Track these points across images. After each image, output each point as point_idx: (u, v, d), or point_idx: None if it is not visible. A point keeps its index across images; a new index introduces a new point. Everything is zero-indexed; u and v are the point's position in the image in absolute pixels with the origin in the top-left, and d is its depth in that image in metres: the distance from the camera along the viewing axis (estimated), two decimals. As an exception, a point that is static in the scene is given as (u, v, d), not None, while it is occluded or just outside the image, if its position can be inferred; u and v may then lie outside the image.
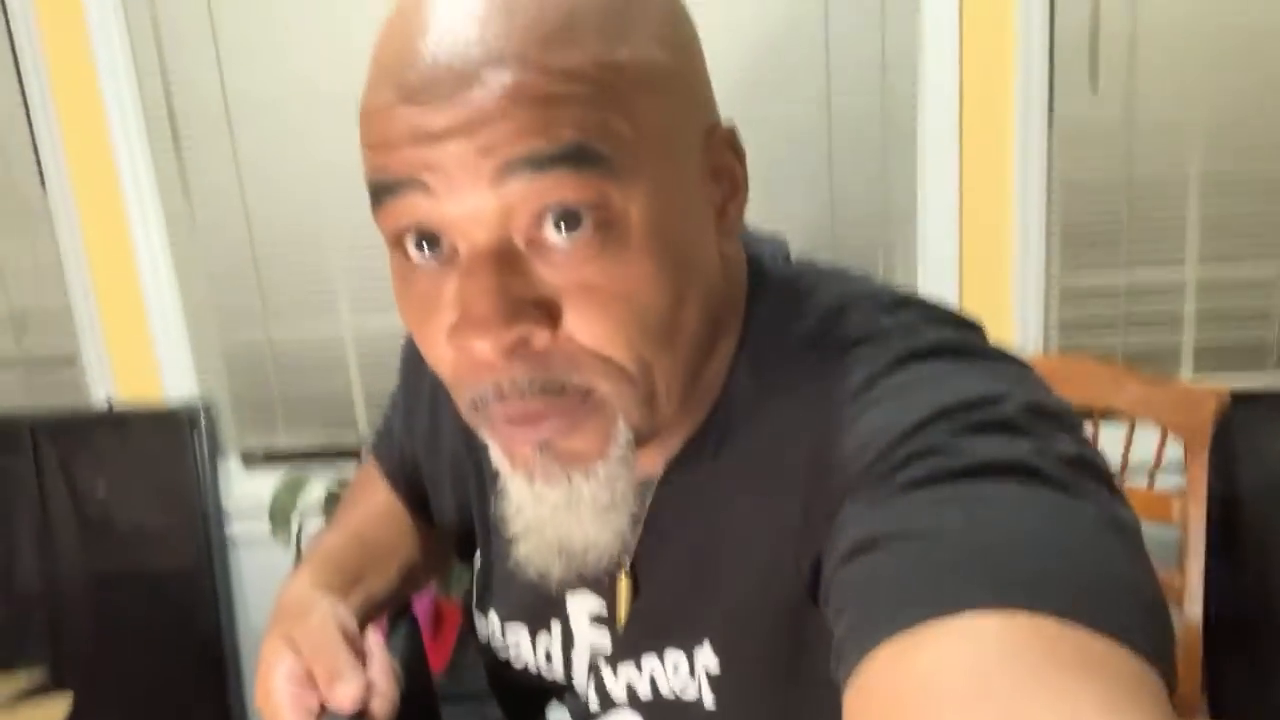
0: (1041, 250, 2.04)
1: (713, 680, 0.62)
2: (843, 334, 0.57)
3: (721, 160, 0.56)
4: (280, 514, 1.99)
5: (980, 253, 2.05)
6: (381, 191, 0.49)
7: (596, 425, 0.52)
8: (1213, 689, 2.03)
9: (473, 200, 0.47)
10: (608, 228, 0.48)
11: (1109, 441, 1.68)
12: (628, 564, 0.63)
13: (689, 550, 0.61)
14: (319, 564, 0.76)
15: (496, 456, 0.57)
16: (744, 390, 0.59)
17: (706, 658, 0.62)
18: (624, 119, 0.48)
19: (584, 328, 0.49)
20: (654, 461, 0.61)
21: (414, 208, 0.48)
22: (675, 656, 0.63)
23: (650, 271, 0.49)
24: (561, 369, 0.50)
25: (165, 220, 2.14)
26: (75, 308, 2.18)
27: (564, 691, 0.70)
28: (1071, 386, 1.68)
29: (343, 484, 2.04)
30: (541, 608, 0.69)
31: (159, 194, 2.12)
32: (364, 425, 2.22)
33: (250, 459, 2.34)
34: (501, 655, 0.73)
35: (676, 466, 0.61)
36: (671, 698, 0.64)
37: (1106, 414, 1.68)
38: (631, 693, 0.66)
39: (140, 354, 2.21)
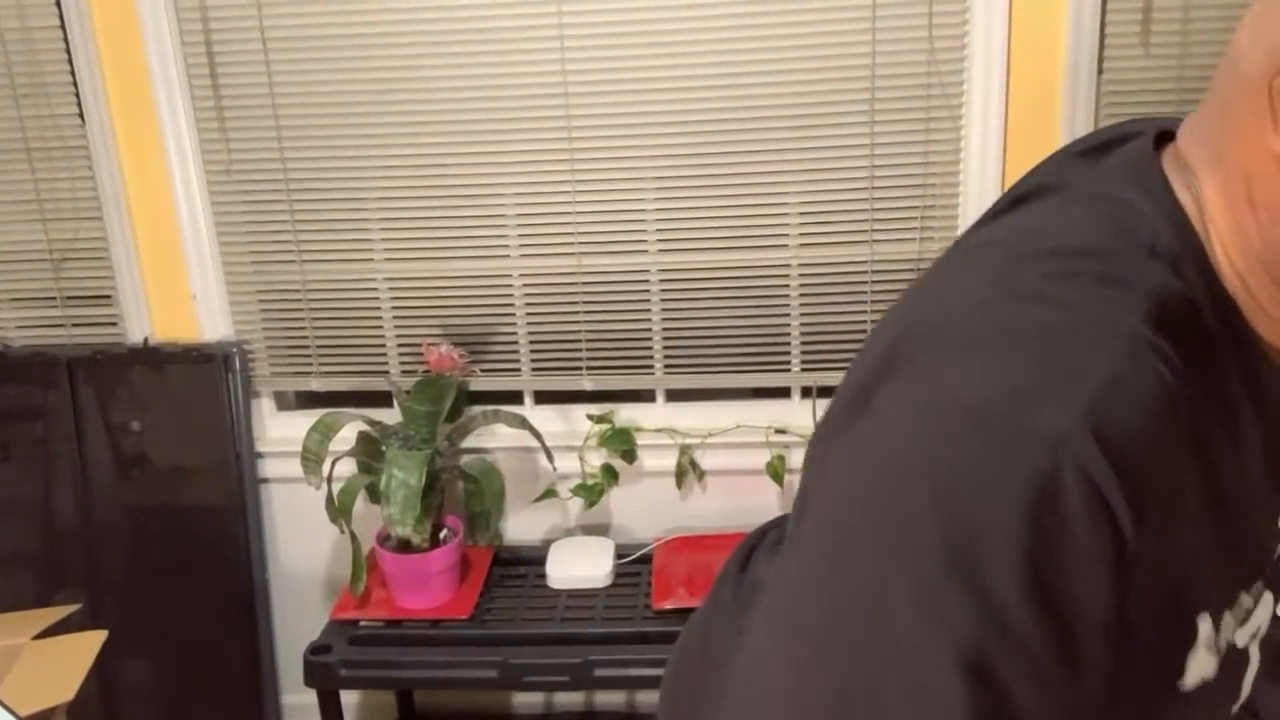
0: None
1: None
2: None
3: None
4: (312, 456, 2.01)
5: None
6: None
7: None
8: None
9: None
10: None
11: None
12: None
13: None
14: None
15: None
16: None
17: None
18: None
19: None
20: None
21: None
22: None
23: None
24: None
25: (202, 160, 2.14)
26: (113, 245, 2.20)
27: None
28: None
29: (374, 425, 2.06)
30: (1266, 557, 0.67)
31: (196, 134, 2.13)
32: (395, 370, 2.23)
33: (283, 401, 2.36)
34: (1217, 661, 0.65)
35: None
36: None
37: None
38: None
39: (176, 293, 2.23)
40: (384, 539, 2.03)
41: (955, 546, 0.49)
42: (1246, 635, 0.68)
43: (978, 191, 2.00)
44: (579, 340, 2.19)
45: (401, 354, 2.23)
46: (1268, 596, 0.69)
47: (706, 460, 2.21)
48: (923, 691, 0.48)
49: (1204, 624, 0.62)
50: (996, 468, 0.49)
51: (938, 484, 0.50)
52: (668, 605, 1.97)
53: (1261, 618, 0.69)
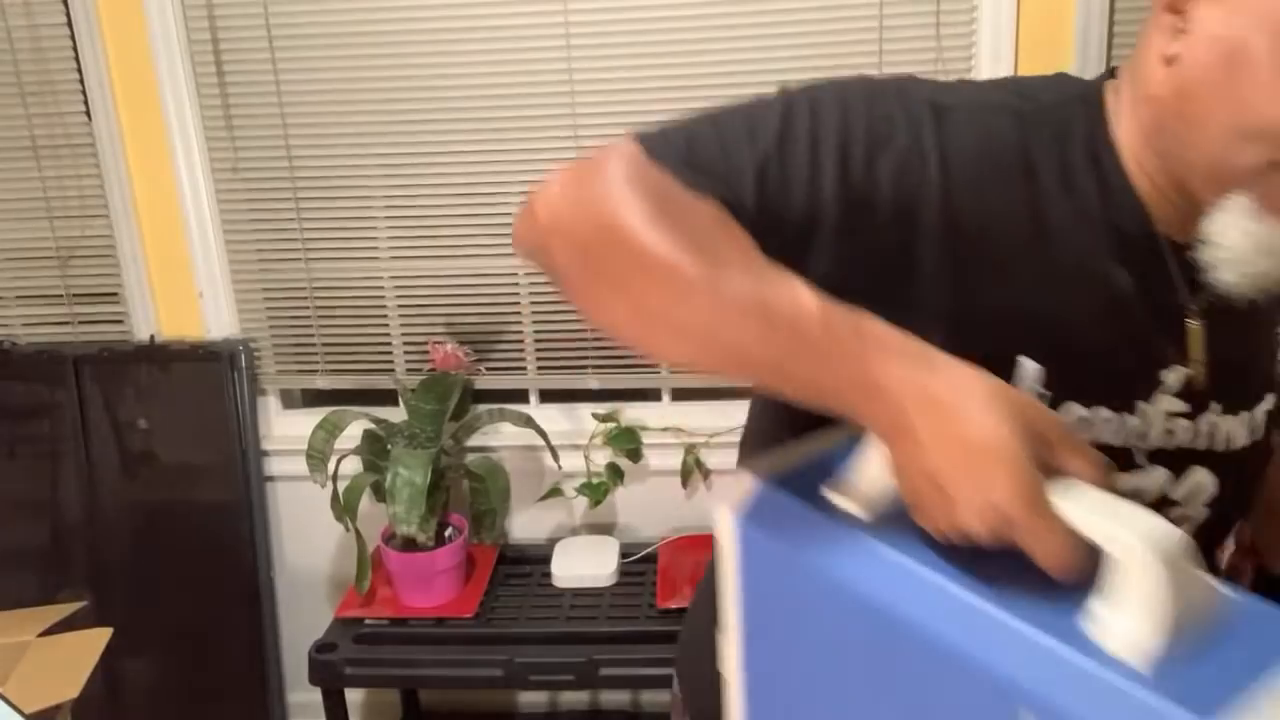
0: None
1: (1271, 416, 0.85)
2: None
3: None
4: (318, 454, 2.01)
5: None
6: None
7: None
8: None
9: None
10: None
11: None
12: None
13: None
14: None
15: (1244, 210, 0.70)
16: None
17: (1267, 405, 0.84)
18: None
19: None
20: None
21: None
22: (1256, 412, 0.83)
23: None
24: None
25: (209, 158, 2.15)
26: (119, 243, 2.20)
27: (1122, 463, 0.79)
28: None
29: (380, 423, 2.06)
30: (1126, 390, 0.78)
31: (203, 132, 2.13)
32: (401, 368, 2.23)
33: (289, 399, 2.36)
34: None
35: None
36: (1238, 448, 0.82)
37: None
38: (1210, 450, 0.81)
39: (182, 291, 2.23)
40: (389, 537, 2.03)
41: (854, 107, 0.75)
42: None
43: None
44: (584, 339, 2.19)
45: (407, 352, 2.23)
46: (1159, 471, 0.80)
47: (712, 459, 2.21)
48: (762, 107, 0.84)
49: (1025, 365, 0.74)
50: (896, 97, 0.75)
51: (867, 89, 0.77)
52: (673, 605, 1.97)
53: (1145, 485, 0.80)
